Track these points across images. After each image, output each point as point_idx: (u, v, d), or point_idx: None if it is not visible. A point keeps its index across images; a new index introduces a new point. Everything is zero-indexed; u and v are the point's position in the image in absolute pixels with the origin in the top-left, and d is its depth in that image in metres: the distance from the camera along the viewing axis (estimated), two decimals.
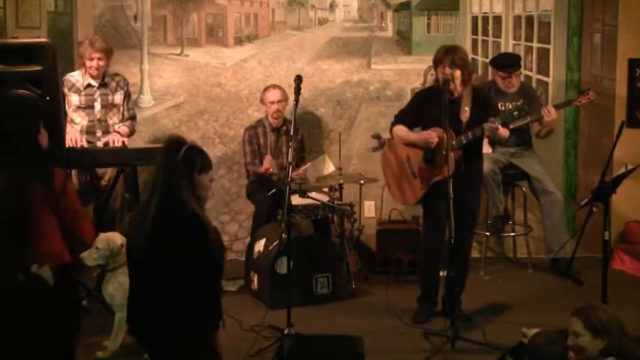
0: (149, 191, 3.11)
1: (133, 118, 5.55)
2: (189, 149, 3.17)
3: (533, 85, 6.21)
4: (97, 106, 5.38)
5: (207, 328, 3.12)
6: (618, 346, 3.00)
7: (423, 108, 4.76)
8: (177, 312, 3.04)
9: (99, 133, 5.37)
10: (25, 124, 3.89)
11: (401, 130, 4.84)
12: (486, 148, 5.54)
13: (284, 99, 5.78)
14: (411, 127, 4.84)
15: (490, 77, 5.94)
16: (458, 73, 4.61)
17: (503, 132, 4.57)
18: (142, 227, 3.06)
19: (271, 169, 5.70)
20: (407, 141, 4.83)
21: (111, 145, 5.22)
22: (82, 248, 4.36)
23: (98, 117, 5.38)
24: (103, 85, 5.39)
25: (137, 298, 3.16)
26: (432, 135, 4.64)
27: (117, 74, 5.54)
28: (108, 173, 5.36)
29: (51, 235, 3.78)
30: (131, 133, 5.49)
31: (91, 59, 5.27)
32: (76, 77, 5.39)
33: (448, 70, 4.60)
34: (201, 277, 3.08)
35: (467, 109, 4.64)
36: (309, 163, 5.93)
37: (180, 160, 3.10)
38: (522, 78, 6.01)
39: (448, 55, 4.62)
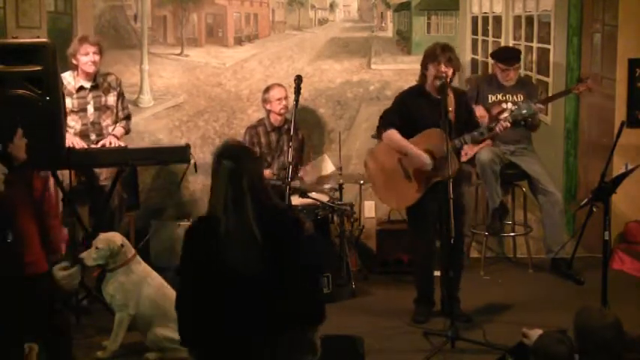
0: (228, 206, 2.86)
1: (127, 117, 5.42)
2: (248, 150, 3.16)
3: None
4: (90, 109, 5.25)
5: (323, 316, 3.03)
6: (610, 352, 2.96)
7: (409, 110, 4.73)
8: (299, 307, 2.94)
9: (93, 137, 5.24)
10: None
11: (395, 136, 4.74)
12: (486, 142, 5.53)
13: (287, 96, 5.78)
14: (401, 129, 4.74)
15: (490, 71, 5.97)
16: (451, 71, 4.63)
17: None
18: (235, 242, 2.86)
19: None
20: (401, 150, 4.76)
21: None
22: (83, 248, 4.38)
23: (91, 120, 5.25)
24: (95, 87, 5.25)
25: (245, 309, 2.89)
26: (427, 161, 4.62)
27: (109, 73, 5.39)
28: (104, 173, 5.23)
29: (33, 243, 3.49)
30: (126, 133, 5.39)
31: (87, 54, 5.12)
32: (67, 79, 5.19)
33: (444, 68, 4.59)
34: (320, 264, 3.02)
35: (451, 109, 4.61)
36: (311, 162, 5.93)
37: (256, 162, 3.03)
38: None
39: (445, 52, 4.61)
